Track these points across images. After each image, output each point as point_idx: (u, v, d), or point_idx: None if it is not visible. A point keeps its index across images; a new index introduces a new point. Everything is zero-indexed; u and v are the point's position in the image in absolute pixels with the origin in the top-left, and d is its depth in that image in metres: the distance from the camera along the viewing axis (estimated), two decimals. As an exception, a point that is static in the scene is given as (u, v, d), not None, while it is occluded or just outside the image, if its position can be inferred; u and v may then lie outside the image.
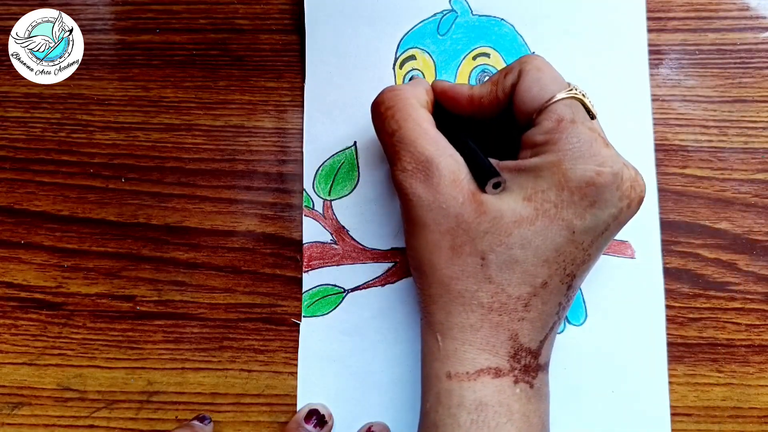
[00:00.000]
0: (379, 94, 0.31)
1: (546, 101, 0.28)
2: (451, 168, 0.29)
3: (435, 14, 0.37)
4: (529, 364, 0.29)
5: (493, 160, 0.30)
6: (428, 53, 0.37)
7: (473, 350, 0.28)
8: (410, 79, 0.37)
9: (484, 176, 0.28)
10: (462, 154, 0.30)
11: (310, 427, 0.35)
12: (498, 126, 0.32)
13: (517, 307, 0.28)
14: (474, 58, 0.37)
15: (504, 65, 0.37)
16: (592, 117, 0.29)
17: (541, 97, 0.29)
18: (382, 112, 0.30)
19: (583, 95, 0.29)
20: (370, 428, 0.35)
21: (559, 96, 0.28)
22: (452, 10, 0.37)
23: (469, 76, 0.37)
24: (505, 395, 0.28)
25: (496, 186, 0.28)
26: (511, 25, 0.37)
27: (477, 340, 0.28)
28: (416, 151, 0.29)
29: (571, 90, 0.29)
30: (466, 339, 0.28)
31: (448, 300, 0.29)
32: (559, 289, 0.29)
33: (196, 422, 0.35)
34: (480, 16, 0.37)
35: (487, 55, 0.37)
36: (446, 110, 0.32)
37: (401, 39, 0.37)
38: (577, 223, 0.27)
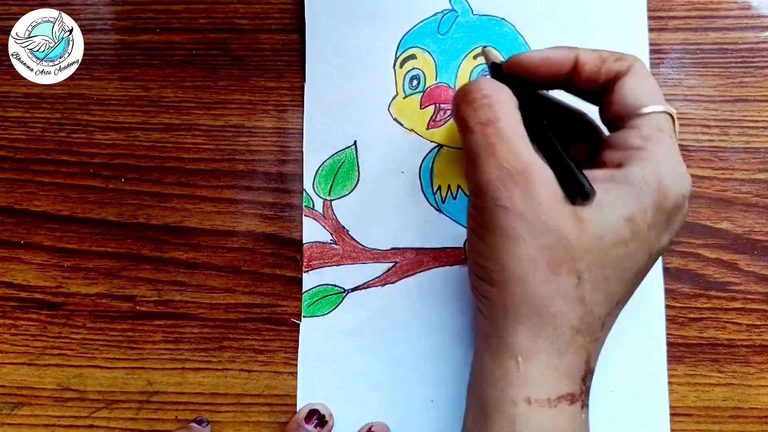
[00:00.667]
0: (474, 81, 0.28)
1: (650, 107, 0.27)
2: (549, 178, 0.26)
3: (435, 14, 0.37)
4: (589, 387, 0.28)
5: (584, 169, 0.27)
6: (428, 53, 0.37)
7: (557, 375, 0.26)
8: (411, 79, 0.37)
9: (577, 189, 0.26)
10: (551, 161, 0.27)
11: (310, 427, 0.35)
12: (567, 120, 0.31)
13: (597, 328, 0.27)
14: (475, 57, 0.37)
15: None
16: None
17: (646, 100, 0.28)
18: (477, 98, 0.27)
19: (674, 111, 0.28)
20: (370, 428, 0.35)
21: (663, 108, 0.28)
22: (452, 9, 0.37)
23: (470, 76, 0.37)
24: (576, 421, 0.27)
25: (585, 199, 0.26)
26: (512, 25, 0.37)
27: (562, 364, 0.26)
28: (515, 150, 0.26)
29: (669, 106, 0.28)
30: (551, 363, 0.26)
31: (537, 321, 0.26)
32: (621, 307, 0.28)
33: (194, 424, 0.35)
34: (480, 15, 0.37)
35: (488, 54, 0.37)
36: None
37: (401, 39, 0.37)
38: (655, 245, 0.27)
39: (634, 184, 0.26)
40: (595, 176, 0.27)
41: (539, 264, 0.26)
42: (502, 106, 0.27)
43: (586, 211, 0.26)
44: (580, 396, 0.27)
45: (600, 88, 0.29)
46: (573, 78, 0.29)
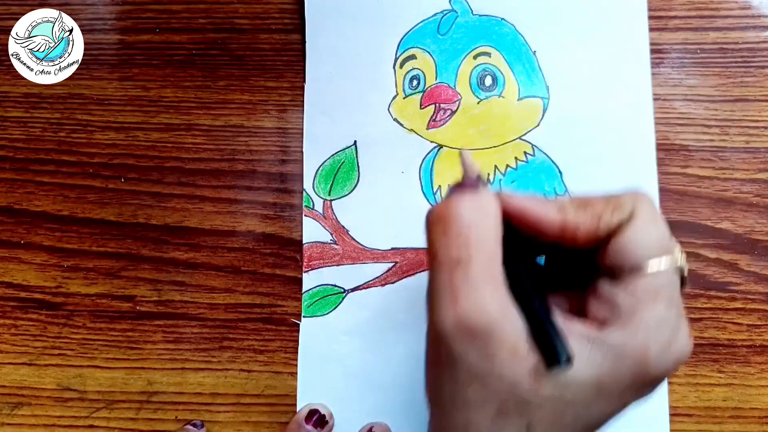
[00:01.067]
0: (456, 204, 0.24)
1: (649, 264, 0.24)
2: (512, 337, 0.23)
3: (435, 14, 0.37)
4: None
5: (559, 319, 0.24)
6: (428, 53, 0.37)
7: None
8: (411, 79, 0.37)
9: (553, 357, 0.23)
10: (529, 318, 0.24)
11: (310, 426, 0.35)
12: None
13: None
14: (475, 57, 0.37)
15: (505, 65, 0.37)
16: (683, 284, 0.26)
17: (646, 253, 0.24)
18: (453, 230, 0.24)
19: (684, 263, 0.25)
20: (371, 428, 0.35)
21: (664, 266, 0.24)
22: (452, 10, 0.37)
23: (470, 75, 0.37)
24: None
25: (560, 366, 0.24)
26: (512, 25, 0.37)
27: None
28: (480, 304, 0.23)
29: (675, 257, 0.25)
30: None
31: None
32: None
33: (189, 427, 0.35)
34: (480, 15, 0.37)
35: (488, 54, 0.37)
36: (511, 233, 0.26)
37: (401, 39, 0.37)
38: (629, 402, 0.25)
39: (612, 350, 0.24)
40: (571, 330, 0.24)
41: (487, 408, 0.24)
42: (480, 244, 0.24)
43: (549, 374, 0.24)
44: None
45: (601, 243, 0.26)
46: (572, 244, 0.25)
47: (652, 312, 0.24)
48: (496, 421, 0.24)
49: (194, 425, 0.36)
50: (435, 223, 0.25)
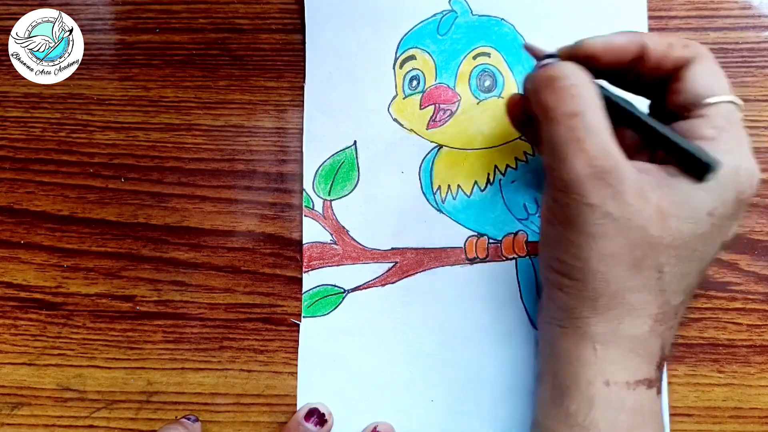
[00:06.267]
0: (558, 66, 0.27)
1: (719, 96, 0.27)
2: (636, 176, 0.26)
3: (435, 14, 0.37)
4: (662, 373, 0.28)
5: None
6: (428, 53, 0.37)
7: (637, 360, 0.27)
8: (411, 79, 0.37)
9: (703, 167, 0.26)
10: (663, 145, 0.27)
11: (309, 425, 0.35)
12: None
13: (671, 316, 0.28)
14: (474, 57, 0.37)
15: (505, 65, 0.37)
16: None
17: (714, 89, 0.27)
18: (564, 86, 0.26)
19: (741, 102, 0.28)
20: (375, 428, 0.35)
21: (734, 98, 0.27)
22: (452, 10, 0.37)
23: (470, 76, 0.37)
24: (654, 404, 0.28)
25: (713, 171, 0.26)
26: (511, 25, 0.37)
27: (641, 351, 0.27)
28: (605, 147, 0.25)
29: (736, 97, 0.28)
30: (633, 348, 0.27)
31: (618, 312, 0.27)
32: (692, 296, 0.28)
33: (185, 420, 0.35)
34: (480, 16, 0.37)
35: (488, 54, 0.37)
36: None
37: (401, 39, 0.37)
38: (729, 235, 0.27)
39: (717, 177, 0.26)
40: (672, 170, 0.27)
41: (623, 260, 0.26)
42: (588, 97, 0.26)
43: (672, 208, 0.26)
44: (656, 382, 0.28)
45: (665, 75, 0.28)
46: (638, 65, 0.28)
47: (733, 135, 0.26)
48: (633, 272, 0.26)
49: (188, 419, 0.36)
50: (544, 84, 0.27)
